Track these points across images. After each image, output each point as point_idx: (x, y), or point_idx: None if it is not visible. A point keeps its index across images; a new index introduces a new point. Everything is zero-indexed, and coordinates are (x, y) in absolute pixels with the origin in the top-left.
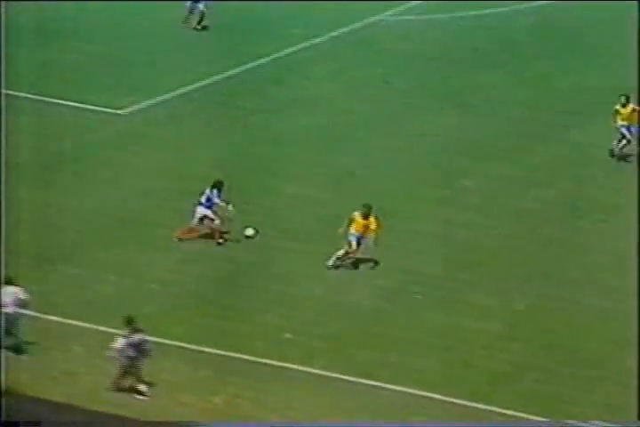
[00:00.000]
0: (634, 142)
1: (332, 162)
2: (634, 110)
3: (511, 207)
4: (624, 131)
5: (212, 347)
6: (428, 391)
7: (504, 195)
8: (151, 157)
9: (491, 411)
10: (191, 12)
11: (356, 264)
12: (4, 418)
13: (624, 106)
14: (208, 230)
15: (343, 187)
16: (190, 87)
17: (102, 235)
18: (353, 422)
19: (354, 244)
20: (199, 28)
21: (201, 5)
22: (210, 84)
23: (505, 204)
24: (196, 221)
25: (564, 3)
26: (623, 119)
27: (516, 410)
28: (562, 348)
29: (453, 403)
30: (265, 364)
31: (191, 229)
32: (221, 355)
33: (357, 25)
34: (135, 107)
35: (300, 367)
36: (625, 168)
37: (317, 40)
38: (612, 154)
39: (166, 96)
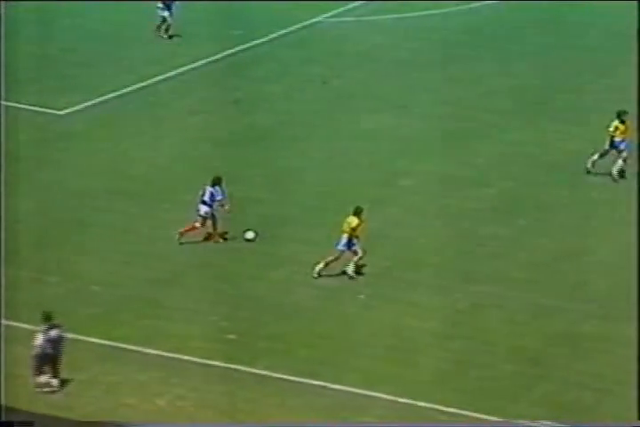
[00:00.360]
0: (624, 157)
1: (273, 163)
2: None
3: (451, 207)
4: (621, 146)
5: (155, 348)
6: (372, 391)
7: (444, 194)
8: (90, 158)
9: (434, 409)
10: (164, 20)
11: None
12: None
13: (623, 121)
14: (210, 230)
15: (283, 187)
16: (130, 88)
17: (42, 236)
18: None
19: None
20: (166, 37)
21: (166, 14)
22: (149, 85)
23: (445, 203)
24: (200, 219)
25: (501, 3)
26: (622, 134)
27: (459, 408)
28: (503, 345)
29: (397, 402)
30: (209, 365)
31: (193, 228)
32: (165, 356)
33: (296, 26)
34: (74, 107)
35: (245, 368)
36: (565, 168)
37: (257, 41)
38: (587, 170)
39: (106, 97)
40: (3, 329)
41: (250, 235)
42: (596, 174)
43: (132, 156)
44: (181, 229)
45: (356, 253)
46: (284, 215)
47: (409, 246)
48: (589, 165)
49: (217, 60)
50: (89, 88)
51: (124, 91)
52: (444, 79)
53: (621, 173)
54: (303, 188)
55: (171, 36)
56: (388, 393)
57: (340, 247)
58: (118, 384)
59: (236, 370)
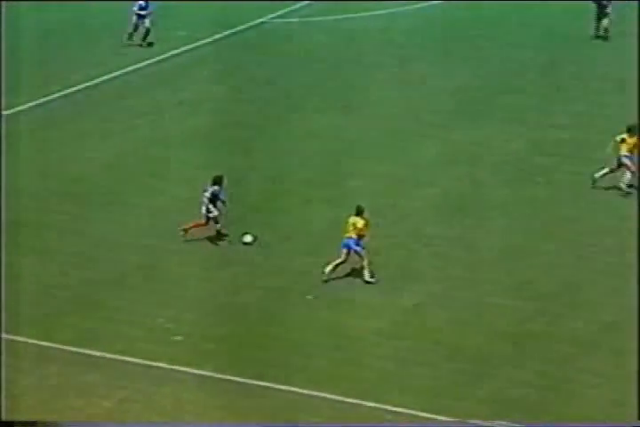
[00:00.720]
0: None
1: (219, 163)
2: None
3: (397, 207)
4: (626, 160)
5: (100, 351)
6: (319, 391)
7: (390, 194)
8: (35, 159)
9: (381, 409)
10: (136, 29)
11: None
12: None
13: (632, 136)
14: (214, 230)
15: (230, 189)
16: (75, 88)
17: None
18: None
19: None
20: (145, 44)
21: (147, 21)
22: (95, 85)
23: (391, 203)
24: (204, 218)
25: (446, 4)
26: (629, 149)
27: (405, 407)
28: (448, 344)
29: (343, 402)
30: (155, 367)
31: (198, 224)
32: (110, 358)
33: (242, 27)
34: (18, 108)
35: (191, 370)
36: (508, 167)
37: (202, 42)
38: (594, 181)
39: (51, 97)
40: None
41: (248, 238)
42: (540, 174)
43: (77, 157)
44: (185, 226)
45: (361, 255)
46: (230, 216)
47: None
48: (597, 176)
49: (162, 60)
50: (33, 88)
51: (70, 91)
52: (388, 80)
53: (630, 186)
54: (249, 188)
55: (150, 44)
56: (334, 393)
57: (355, 248)
58: (63, 387)
59: (182, 372)
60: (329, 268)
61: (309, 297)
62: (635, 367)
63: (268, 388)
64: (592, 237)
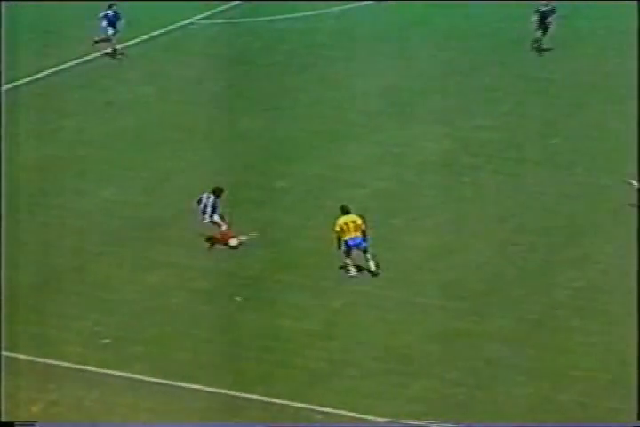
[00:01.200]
0: None
1: (147, 165)
2: None
3: (325, 208)
4: None
5: (28, 354)
6: (247, 392)
7: (318, 195)
8: None
9: (309, 409)
10: (104, 39)
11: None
12: None
13: None
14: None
15: (158, 190)
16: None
17: None
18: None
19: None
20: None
21: (110, 32)
22: (20, 86)
23: (319, 204)
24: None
25: (372, 4)
26: None
27: (335, 408)
28: (378, 344)
29: (273, 403)
30: (83, 370)
31: (223, 233)
32: (38, 362)
33: (169, 28)
34: None
35: (120, 373)
36: (435, 168)
37: (129, 43)
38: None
39: None
40: None
41: (234, 242)
42: (467, 174)
43: (2, 158)
44: (214, 239)
45: (366, 251)
46: (158, 217)
47: (284, 248)
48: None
49: (88, 61)
50: None
51: None
52: (316, 81)
53: None
54: (177, 190)
55: (114, 55)
56: (263, 395)
57: (365, 244)
58: None
59: (111, 375)
60: (352, 270)
61: (238, 299)
62: (556, 364)
63: (197, 390)
64: (518, 236)
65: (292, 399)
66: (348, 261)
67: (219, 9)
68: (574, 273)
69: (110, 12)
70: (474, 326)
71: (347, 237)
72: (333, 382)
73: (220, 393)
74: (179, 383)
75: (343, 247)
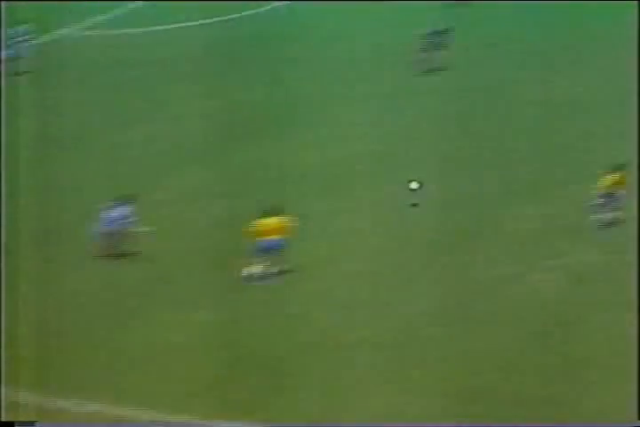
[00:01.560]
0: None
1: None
2: None
3: (198, 220)
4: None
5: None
6: (129, 407)
7: (196, 205)
8: None
9: (192, 423)
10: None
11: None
12: None
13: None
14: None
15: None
16: None
17: None
18: None
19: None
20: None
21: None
22: None
23: (191, 217)
24: None
25: (259, 14)
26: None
27: (219, 419)
28: (262, 355)
29: (154, 417)
30: None
31: None
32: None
33: (46, 38)
34: None
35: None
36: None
37: None
38: None
39: None
40: None
41: None
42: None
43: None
44: None
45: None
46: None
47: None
48: None
49: None
50: None
51: None
52: (194, 92)
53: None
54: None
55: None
56: (144, 408)
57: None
58: None
59: None
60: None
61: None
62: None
63: (78, 404)
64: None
65: (174, 413)
66: None
67: (95, 21)
68: None
69: None
70: (344, 337)
71: (263, 239)
72: (214, 394)
73: (99, 410)
74: (54, 400)
75: None
